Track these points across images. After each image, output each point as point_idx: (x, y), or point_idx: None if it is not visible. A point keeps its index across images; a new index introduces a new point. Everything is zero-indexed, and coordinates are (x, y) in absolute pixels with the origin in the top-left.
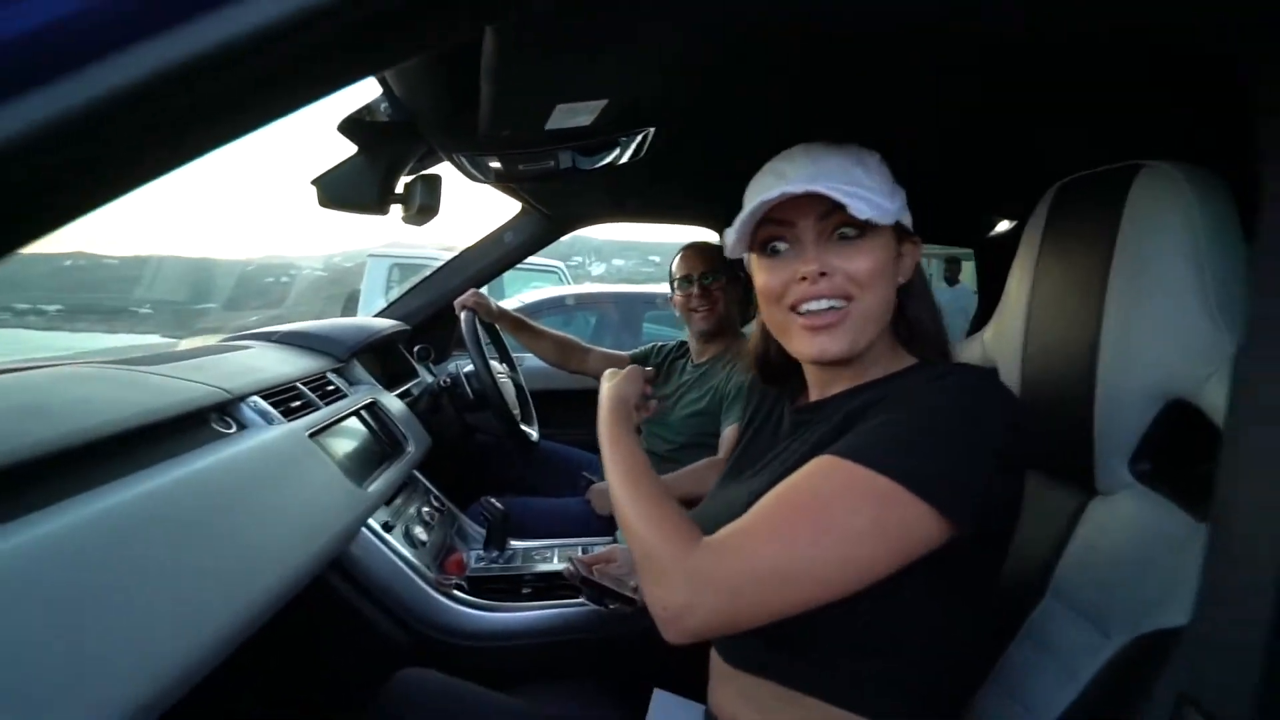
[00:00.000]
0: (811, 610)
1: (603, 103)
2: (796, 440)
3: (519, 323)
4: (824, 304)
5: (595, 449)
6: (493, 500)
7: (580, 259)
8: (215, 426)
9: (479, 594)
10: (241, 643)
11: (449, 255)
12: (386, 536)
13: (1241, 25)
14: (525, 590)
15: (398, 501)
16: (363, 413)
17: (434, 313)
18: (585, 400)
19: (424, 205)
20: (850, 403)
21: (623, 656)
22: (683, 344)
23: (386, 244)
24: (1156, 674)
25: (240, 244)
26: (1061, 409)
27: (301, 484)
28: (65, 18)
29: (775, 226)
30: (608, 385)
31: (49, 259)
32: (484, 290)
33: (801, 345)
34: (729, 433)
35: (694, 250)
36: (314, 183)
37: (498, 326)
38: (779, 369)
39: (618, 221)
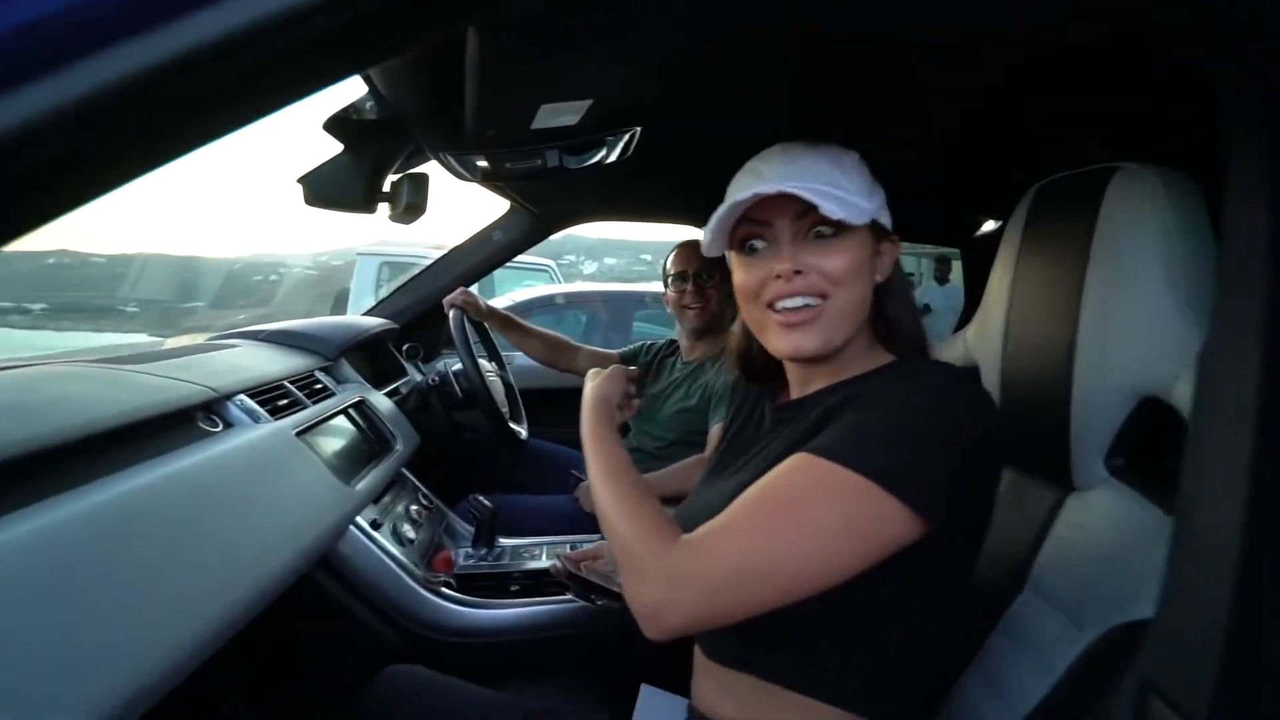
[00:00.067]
0: (787, 605)
1: (587, 103)
2: (776, 438)
3: (508, 321)
4: (799, 301)
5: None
6: (481, 498)
7: (572, 257)
8: (202, 425)
9: (467, 591)
10: (229, 640)
11: (439, 254)
12: (374, 534)
13: (1203, 32)
14: (514, 588)
15: (386, 499)
16: (351, 411)
17: (423, 311)
18: (574, 399)
19: (411, 204)
20: (827, 400)
21: (610, 652)
22: (672, 342)
23: (376, 242)
24: (1126, 664)
25: (228, 242)
26: (1040, 407)
27: (288, 482)
28: (53, 14)
29: (753, 225)
30: (591, 384)
31: (33, 256)
32: (474, 289)
33: (777, 342)
34: (716, 430)
35: (689, 247)
36: (300, 181)
37: (486, 325)
38: (761, 367)
39: (607, 220)
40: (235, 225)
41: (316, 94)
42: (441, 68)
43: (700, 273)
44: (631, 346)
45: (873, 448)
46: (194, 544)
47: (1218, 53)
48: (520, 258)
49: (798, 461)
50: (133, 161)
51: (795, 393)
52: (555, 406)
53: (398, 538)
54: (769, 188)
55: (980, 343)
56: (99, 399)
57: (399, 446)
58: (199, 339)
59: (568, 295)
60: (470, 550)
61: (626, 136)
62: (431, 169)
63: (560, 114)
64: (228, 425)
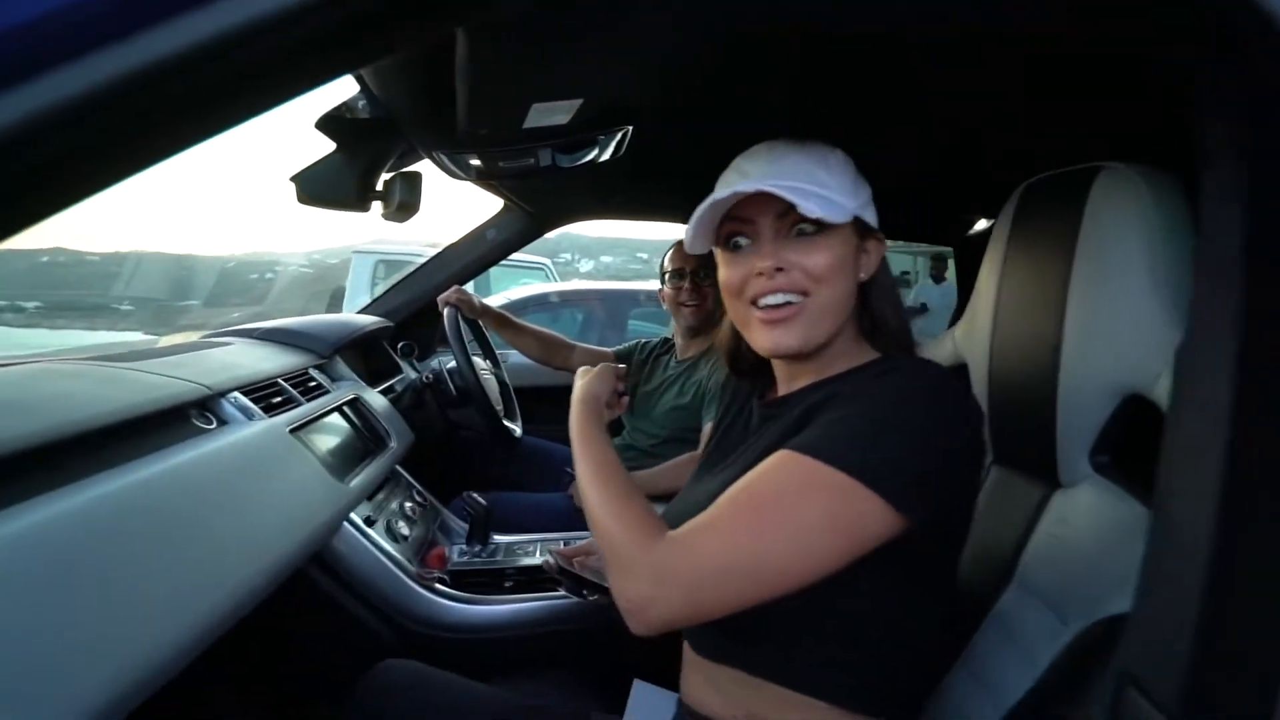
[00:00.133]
0: (770, 601)
1: (578, 102)
2: (763, 435)
3: (502, 319)
4: (780, 298)
5: None
6: (475, 495)
7: (568, 255)
8: (196, 422)
9: (461, 587)
10: (223, 635)
11: (435, 252)
12: (368, 531)
13: (1181, 33)
14: (507, 584)
15: (380, 496)
16: (345, 409)
17: (418, 309)
18: (569, 397)
19: (404, 202)
20: (811, 397)
21: (603, 647)
22: (667, 340)
23: (372, 240)
24: (1106, 657)
25: (223, 240)
26: (1026, 404)
27: (282, 479)
28: (48, 14)
29: (736, 223)
30: (580, 382)
31: (27, 255)
32: (469, 287)
33: (759, 338)
34: (709, 428)
35: None
36: (293, 179)
37: (481, 323)
38: (749, 363)
39: (601, 218)
40: (230, 223)
41: (307, 93)
42: (433, 67)
43: (697, 270)
44: (626, 345)
45: (854, 444)
46: (187, 540)
47: (1194, 54)
48: (516, 256)
49: (780, 459)
50: (126, 160)
51: (782, 389)
52: (549, 404)
53: (392, 534)
54: (748, 186)
55: (968, 341)
56: (93, 396)
57: (393, 444)
58: (193, 337)
59: (563, 293)
60: (464, 547)
61: (618, 135)
62: (425, 167)
63: (551, 113)
64: (222, 422)
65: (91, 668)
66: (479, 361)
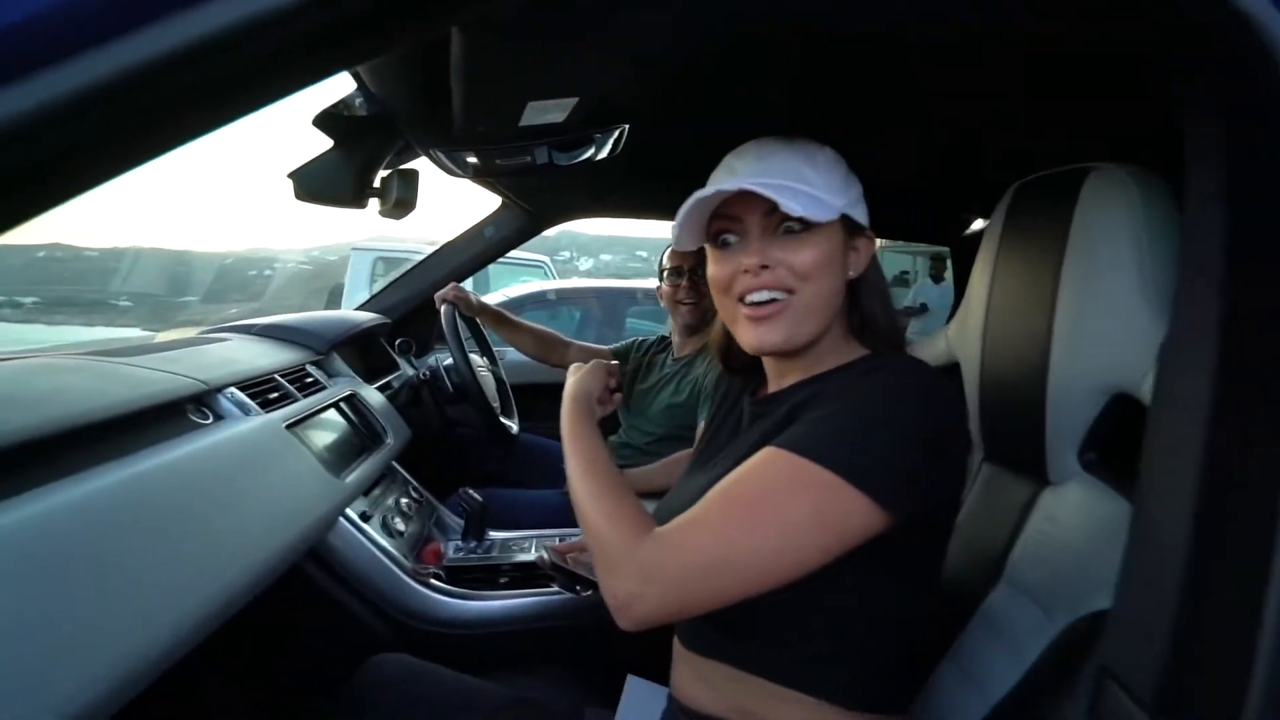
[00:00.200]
0: (756, 596)
1: (573, 101)
2: (752, 432)
3: (499, 317)
4: (765, 295)
5: None
6: (471, 491)
7: (568, 254)
8: (192, 417)
9: (456, 583)
10: (218, 628)
11: (433, 249)
12: (364, 526)
13: (1165, 37)
14: (502, 580)
15: (376, 492)
16: (341, 405)
17: (415, 306)
18: None
19: (400, 199)
20: (799, 394)
21: (596, 643)
22: (664, 338)
23: (371, 237)
24: (1089, 652)
25: (222, 236)
26: (1016, 402)
27: (278, 474)
28: (44, 12)
29: (725, 221)
30: (572, 379)
31: (25, 250)
32: (468, 284)
33: (745, 335)
34: (704, 426)
35: None
36: (291, 176)
37: (478, 320)
38: (741, 360)
39: (599, 216)
40: (229, 219)
41: (302, 91)
42: (430, 65)
43: (695, 268)
44: (623, 343)
45: (839, 442)
46: (182, 534)
47: (1176, 55)
48: (515, 253)
49: (766, 456)
50: (119, 157)
51: (772, 387)
52: (546, 401)
53: (387, 530)
54: (732, 185)
55: (960, 340)
56: (89, 391)
57: (390, 440)
58: (191, 333)
59: (560, 291)
60: (460, 543)
61: (615, 134)
62: (422, 165)
63: (547, 111)
64: (218, 417)
65: (87, 659)
66: (476, 359)
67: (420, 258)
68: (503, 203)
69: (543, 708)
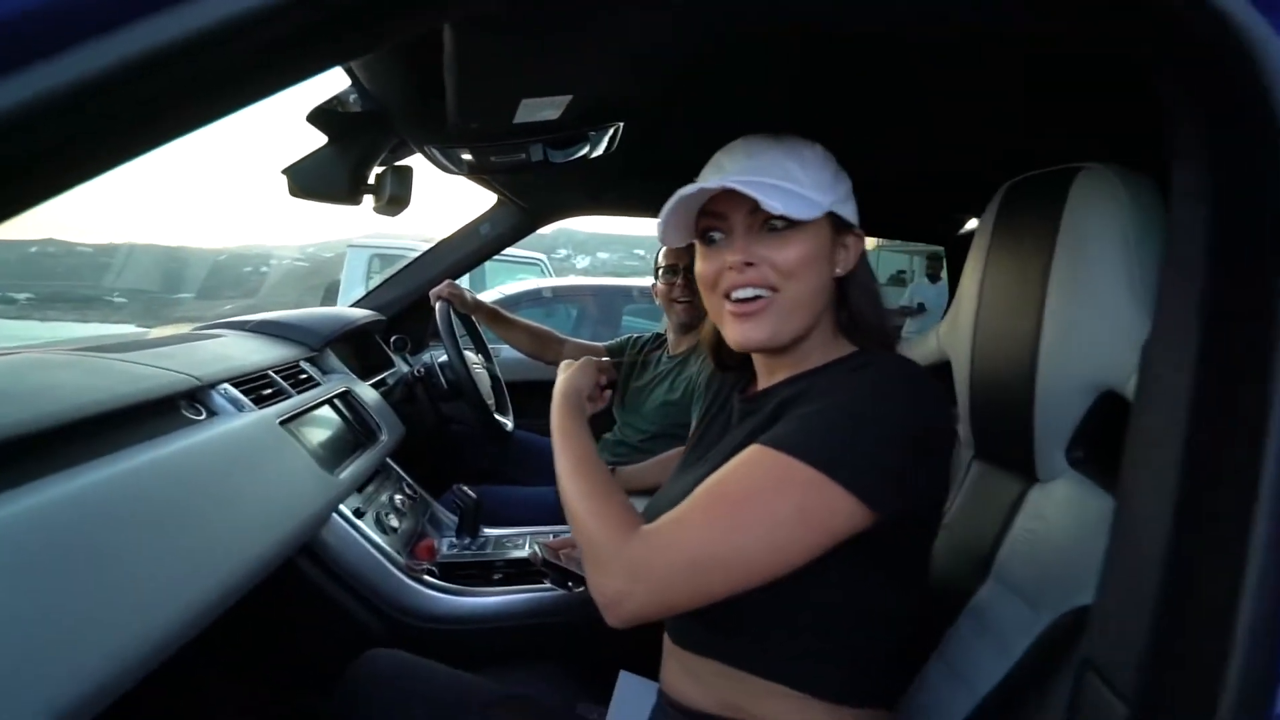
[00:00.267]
0: (741, 593)
1: (567, 98)
2: (740, 429)
3: (494, 314)
4: (750, 292)
5: None
6: (465, 488)
7: (565, 252)
8: (185, 413)
9: (450, 580)
10: (212, 623)
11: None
12: (358, 523)
13: (1149, 38)
14: (496, 576)
15: (370, 489)
16: (335, 401)
17: (410, 303)
18: None
19: (395, 196)
20: (786, 391)
21: (590, 640)
22: (659, 336)
23: (367, 234)
24: (1074, 646)
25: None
26: (1006, 400)
27: (271, 470)
28: (35, 9)
29: (711, 218)
30: (562, 376)
31: (18, 245)
32: (465, 281)
33: (729, 331)
34: (695, 423)
35: None
36: (285, 172)
37: (474, 317)
38: (733, 357)
39: (594, 214)
40: (225, 216)
41: (292, 87)
42: (423, 62)
43: (690, 267)
44: (618, 340)
45: (825, 439)
46: (175, 529)
47: (1160, 57)
48: (512, 251)
49: (752, 454)
50: (115, 150)
51: (761, 383)
52: (541, 399)
53: (381, 526)
54: (714, 183)
55: (951, 338)
56: (83, 386)
57: (384, 437)
58: (185, 329)
59: (556, 289)
60: (454, 539)
61: (610, 131)
62: (418, 161)
63: (541, 109)
64: (211, 413)
65: (80, 653)
66: (471, 356)
67: (416, 255)
68: (498, 200)
69: (535, 703)
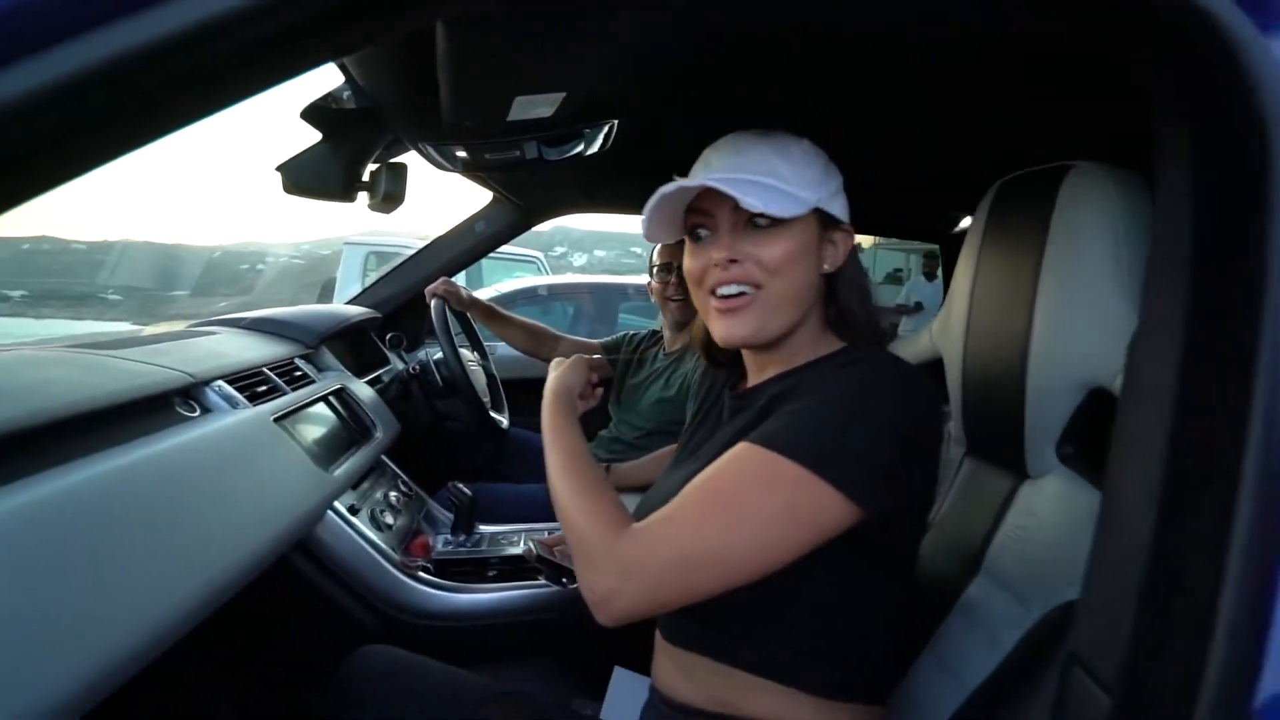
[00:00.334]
0: (731, 590)
1: (561, 95)
2: (730, 426)
3: (490, 311)
4: (734, 289)
5: None
6: (460, 485)
7: (562, 249)
8: (179, 410)
9: (445, 576)
10: (206, 619)
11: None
12: (352, 519)
13: (1136, 37)
14: (491, 573)
15: (365, 486)
16: (330, 398)
17: (406, 301)
18: None
19: (389, 193)
20: (774, 388)
21: (584, 635)
22: (655, 333)
23: (364, 232)
24: (1061, 640)
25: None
26: (997, 397)
27: (265, 467)
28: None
29: (698, 215)
30: (553, 374)
31: (12, 242)
32: (461, 279)
33: (715, 327)
34: (688, 420)
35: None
36: (279, 169)
37: (469, 315)
38: (723, 354)
39: (590, 212)
40: (220, 213)
41: (282, 84)
42: (417, 59)
43: None
44: (614, 337)
45: (812, 437)
46: (169, 526)
47: (1147, 56)
48: (508, 249)
49: (740, 451)
50: (108, 145)
51: (751, 380)
52: (536, 396)
53: (376, 523)
54: (694, 181)
55: (944, 336)
56: (75, 383)
57: (379, 434)
58: (179, 327)
59: (552, 287)
60: (449, 536)
61: (605, 129)
62: (413, 159)
63: (535, 106)
64: (205, 410)
65: (73, 648)
66: (466, 353)
67: (412, 252)
68: (493, 198)
69: (530, 700)
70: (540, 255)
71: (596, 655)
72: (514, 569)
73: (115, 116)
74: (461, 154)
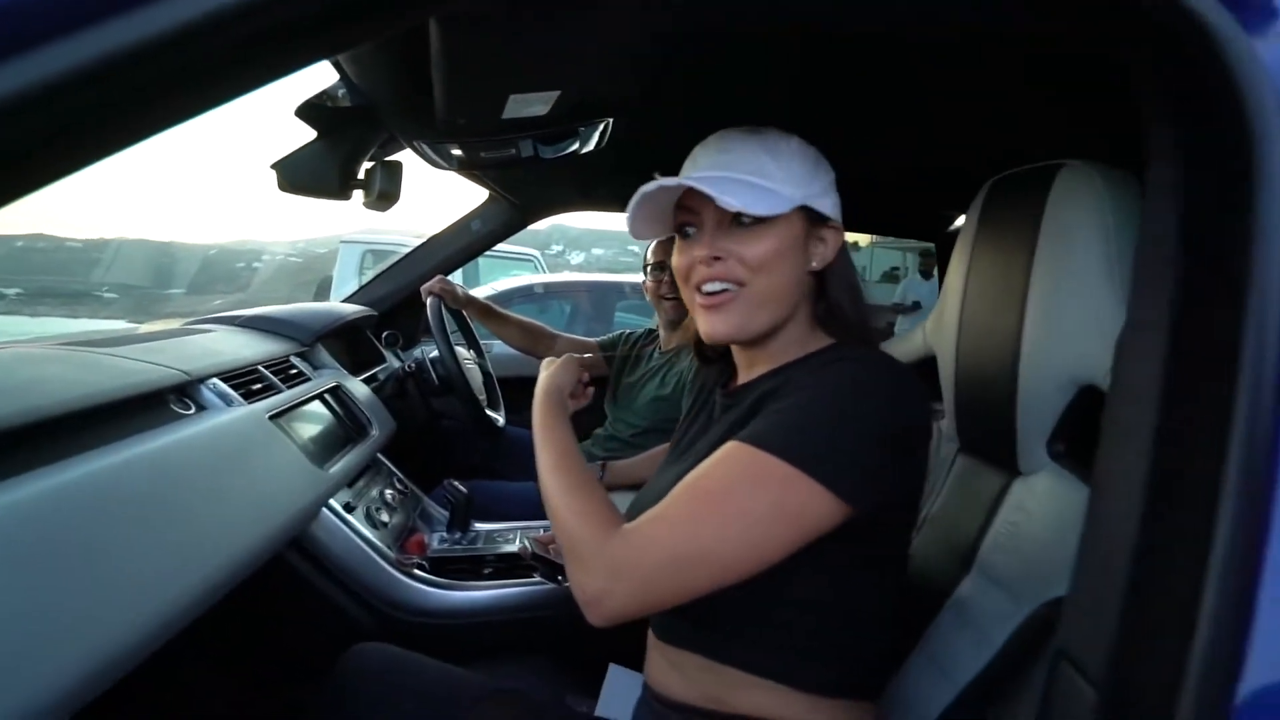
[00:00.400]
0: (721, 588)
1: (555, 93)
2: (722, 423)
3: (486, 309)
4: (718, 286)
5: None
6: (455, 483)
7: (559, 247)
8: (174, 408)
9: (441, 574)
10: (200, 616)
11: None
12: (348, 517)
13: (1126, 37)
14: (486, 571)
15: (360, 484)
16: (326, 396)
17: (402, 299)
18: None
19: (384, 191)
20: (763, 386)
21: (579, 633)
22: (651, 332)
23: (360, 230)
24: (1051, 636)
25: (209, 227)
26: (989, 395)
27: (260, 465)
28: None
29: (685, 212)
30: (544, 374)
31: (7, 240)
32: (458, 277)
33: (700, 324)
34: (681, 418)
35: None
36: (274, 167)
37: (465, 313)
38: (714, 351)
39: (586, 210)
40: (216, 211)
41: (274, 82)
42: (412, 56)
43: None
44: (610, 335)
45: (798, 435)
46: (164, 523)
47: (1135, 56)
48: (505, 247)
49: (730, 450)
50: (102, 141)
51: (741, 378)
52: (532, 394)
53: (371, 521)
54: (673, 180)
55: (937, 334)
56: (70, 380)
57: (374, 432)
58: (175, 324)
59: (549, 285)
60: (445, 534)
61: (600, 127)
62: (408, 157)
63: (529, 104)
64: (200, 408)
65: (67, 645)
66: (462, 351)
67: (408, 250)
68: (489, 196)
69: (525, 697)
70: (537, 253)
71: (591, 652)
72: (509, 567)
73: (109, 113)
74: (457, 152)
